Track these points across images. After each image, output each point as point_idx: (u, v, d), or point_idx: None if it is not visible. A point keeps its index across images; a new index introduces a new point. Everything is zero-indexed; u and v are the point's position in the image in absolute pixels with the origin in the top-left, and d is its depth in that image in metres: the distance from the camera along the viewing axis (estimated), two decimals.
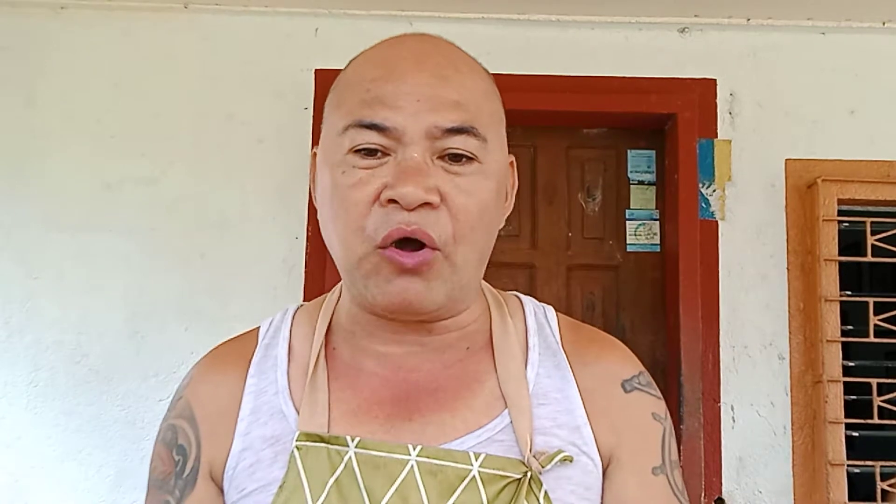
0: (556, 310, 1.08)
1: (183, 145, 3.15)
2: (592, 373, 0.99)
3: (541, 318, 1.04)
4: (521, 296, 1.08)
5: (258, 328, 1.05)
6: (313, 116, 3.13)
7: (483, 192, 0.92)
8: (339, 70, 1.03)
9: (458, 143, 0.90)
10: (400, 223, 0.88)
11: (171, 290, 3.06)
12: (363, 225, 0.90)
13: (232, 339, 1.06)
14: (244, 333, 1.06)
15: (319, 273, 3.02)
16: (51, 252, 3.08)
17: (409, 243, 0.89)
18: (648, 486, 0.96)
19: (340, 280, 1.08)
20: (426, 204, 0.88)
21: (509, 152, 1.02)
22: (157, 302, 3.05)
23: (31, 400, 3.02)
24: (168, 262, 3.08)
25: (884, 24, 3.20)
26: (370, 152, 0.90)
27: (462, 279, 0.94)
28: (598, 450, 0.95)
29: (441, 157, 0.90)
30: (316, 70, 3.15)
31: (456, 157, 0.91)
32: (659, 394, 1.03)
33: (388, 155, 0.90)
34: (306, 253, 3.06)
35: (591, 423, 0.96)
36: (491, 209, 0.94)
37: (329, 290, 1.08)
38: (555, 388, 0.97)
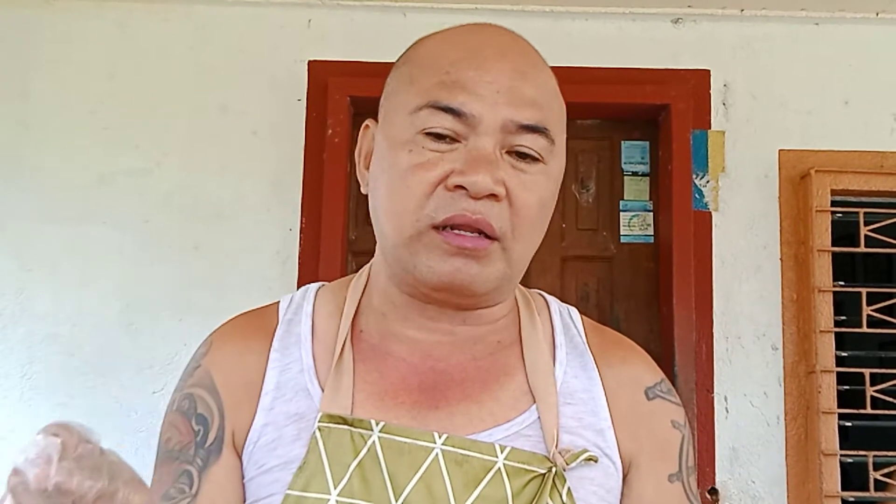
0: None
1: (177, 137, 3.14)
2: (617, 376, 1.00)
3: (566, 317, 1.05)
4: (546, 295, 1.08)
5: (277, 303, 1.03)
6: (307, 108, 3.13)
7: (544, 192, 0.93)
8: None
9: (529, 142, 0.90)
10: (465, 210, 0.88)
11: (164, 281, 3.06)
12: (423, 204, 0.89)
13: (250, 311, 1.04)
14: (262, 307, 1.04)
15: (313, 265, 3.02)
16: (44, 244, 3.08)
17: (467, 230, 0.89)
18: (664, 493, 0.97)
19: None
20: (492, 196, 0.88)
21: None
22: (151, 294, 3.05)
23: (24, 392, 3.01)
24: (162, 253, 3.08)
25: (877, 14, 3.20)
26: (441, 136, 0.90)
27: (514, 273, 0.94)
28: (620, 454, 0.96)
29: (509, 153, 0.90)
30: (309, 61, 3.15)
31: (523, 156, 0.91)
32: (679, 401, 1.03)
33: (459, 142, 0.90)
34: (300, 245, 3.06)
35: (614, 427, 0.96)
36: (548, 210, 0.95)
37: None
38: (582, 388, 0.98)
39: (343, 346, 0.96)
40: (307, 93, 3.14)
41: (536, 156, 0.91)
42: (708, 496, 2.95)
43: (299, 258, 3.05)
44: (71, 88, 3.16)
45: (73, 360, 3.02)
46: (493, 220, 0.88)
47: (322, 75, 3.11)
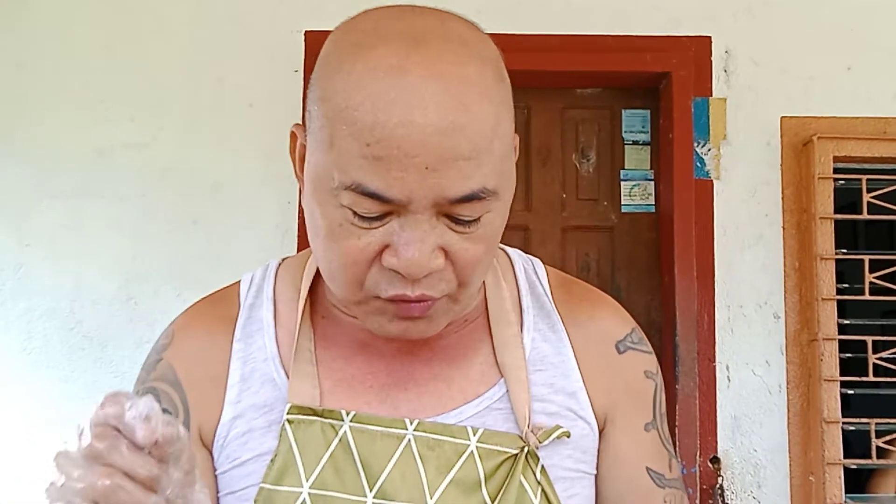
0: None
1: (173, 110, 3.12)
2: (586, 333, 0.98)
3: (531, 275, 1.01)
4: (508, 249, 1.03)
5: (237, 285, 1.00)
6: (304, 79, 3.10)
7: (493, 233, 0.86)
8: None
9: (467, 211, 0.80)
10: (404, 291, 0.82)
11: (163, 255, 3.05)
12: (362, 280, 0.83)
13: (209, 297, 1.01)
14: (223, 290, 1.01)
15: None
16: (42, 219, 3.06)
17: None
18: (640, 442, 0.97)
19: None
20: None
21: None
22: (149, 268, 3.04)
23: (25, 367, 3.01)
24: (160, 227, 3.06)
25: None
26: (371, 218, 0.80)
27: (467, 307, 0.94)
28: (594, 412, 0.95)
29: (448, 216, 0.81)
30: (306, 32, 3.12)
31: (464, 222, 0.82)
32: (650, 348, 1.02)
33: (390, 214, 0.80)
34: (299, 217, 3.04)
35: (586, 386, 0.95)
36: (500, 233, 0.88)
37: None
38: (552, 351, 0.96)
39: (302, 334, 0.93)
40: (304, 64, 3.11)
41: (477, 217, 0.82)
42: (710, 465, 2.95)
43: (298, 231, 3.04)
44: (67, 62, 3.13)
45: (73, 334, 3.02)
46: (436, 290, 0.83)
47: (319, 46, 3.05)
